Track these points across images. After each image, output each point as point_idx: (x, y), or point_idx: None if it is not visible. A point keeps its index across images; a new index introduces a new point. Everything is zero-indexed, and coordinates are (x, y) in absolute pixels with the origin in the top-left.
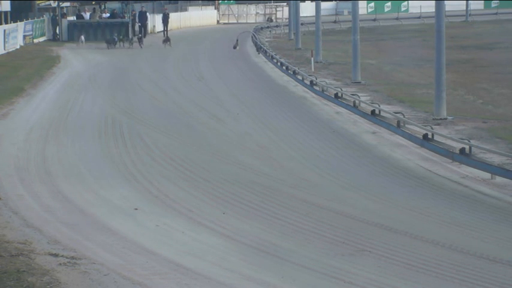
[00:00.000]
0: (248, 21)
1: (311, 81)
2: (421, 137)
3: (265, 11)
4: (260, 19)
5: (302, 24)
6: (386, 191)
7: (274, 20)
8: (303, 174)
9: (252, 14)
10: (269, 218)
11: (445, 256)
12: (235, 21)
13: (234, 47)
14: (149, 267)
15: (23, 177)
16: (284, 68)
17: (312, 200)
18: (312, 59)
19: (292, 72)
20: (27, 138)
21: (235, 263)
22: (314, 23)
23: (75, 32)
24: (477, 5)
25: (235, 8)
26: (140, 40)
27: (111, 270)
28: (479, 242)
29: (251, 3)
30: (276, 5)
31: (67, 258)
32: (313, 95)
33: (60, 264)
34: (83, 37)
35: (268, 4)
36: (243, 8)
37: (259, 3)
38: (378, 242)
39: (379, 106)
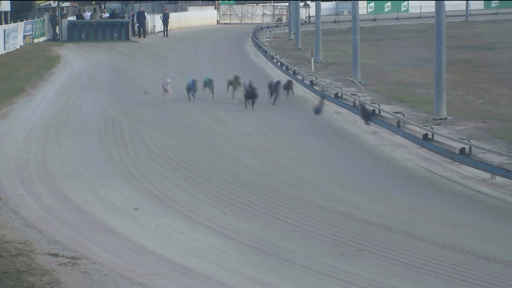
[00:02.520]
0: (254, 22)
1: (311, 81)
2: (421, 137)
3: (273, 12)
4: (268, 20)
5: (302, 24)
6: (386, 191)
7: (284, 21)
8: (303, 174)
9: (259, 15)
10: (269, 218)
11: (445, 256)
12: (239, 22)
13: (317, 111)
14: (149, 267)
15: (23, 177)
16: (284, 68)
17: (312, 200)
18: (312, 59)
19: (292, 72)
20: (27, 138)
21: (235, 263)
22: (314, 23)
23: (75, 32)
24: (477, 5)
25: (238, 8)
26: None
27: (111, 270)
28: (479, 242)
29: (258, 3)
30: (288, 6)
31: (67, 258)
32: (313, 95)
33: (60, 264)
34: (169, 85)
35: (279, 5)
36: (248, 8)
37: (265, 3)
38: (378, 242)
39: (379, 106)
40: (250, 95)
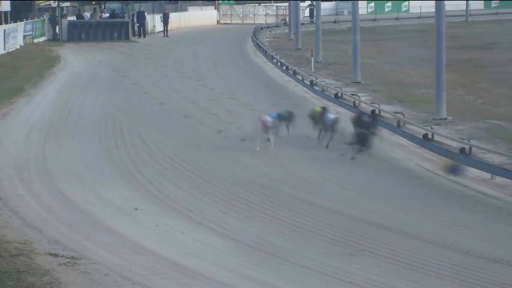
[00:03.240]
0: (256, 22)
1: (311, 81)
2: (421, 137)
3: (277, 12)
4: (271, 20)
5: (302, 24)
6: (386, 191)
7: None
8: (303, 174)
9: (261, 15)
10: (269, 218)
11: (445, 256)
12: (240, 22)
13: (454, 171)
14: (149, 267)
15: (23, 177)
16: (284, 68)
17: (312, 200)
18: (312, 59)
19: (292, 72)
20: (27, 138)
21: (235, 263)
22: (314, 23)
23: (75, 32)
24: (477, 5)
25: (239, 8)
26: None
27: (111, 270)
28: (479, 242)
29: (259, 4)
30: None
31: (67, 258)
32: (313, 95)
33: (60, 264)
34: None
35: (282, 5)
36: (249, 8)
37: (266, 3)
38: (378, 242)
39: (379, 106)
40: (364, 138)
